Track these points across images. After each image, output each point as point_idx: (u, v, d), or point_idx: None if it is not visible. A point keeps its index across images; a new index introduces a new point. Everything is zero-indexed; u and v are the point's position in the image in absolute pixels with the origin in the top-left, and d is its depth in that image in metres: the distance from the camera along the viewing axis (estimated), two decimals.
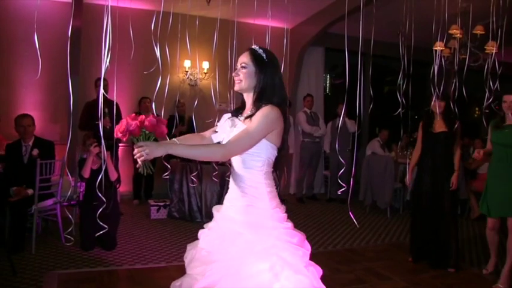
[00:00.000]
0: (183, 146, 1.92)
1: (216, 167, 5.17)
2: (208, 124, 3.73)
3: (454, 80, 3.82)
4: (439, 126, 4.60)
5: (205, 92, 7.77)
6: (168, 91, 3.19)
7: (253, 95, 2.13)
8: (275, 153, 2.10)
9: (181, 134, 6.83)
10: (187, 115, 7.22)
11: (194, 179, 5.90)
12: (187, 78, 7.73)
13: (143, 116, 1.91)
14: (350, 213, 3.26)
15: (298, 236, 2.08)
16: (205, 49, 6.93)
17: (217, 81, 4.97)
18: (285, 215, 2.12)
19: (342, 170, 3.44)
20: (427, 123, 4.70)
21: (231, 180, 2.17)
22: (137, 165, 1.91)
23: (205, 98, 7.44)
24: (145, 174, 1.97)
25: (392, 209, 7.19)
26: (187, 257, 2.17)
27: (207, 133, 2.30)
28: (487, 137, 4.43)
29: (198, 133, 2.31)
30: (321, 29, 7.78)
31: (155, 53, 2.69)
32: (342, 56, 3.00)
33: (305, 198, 8.09)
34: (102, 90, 2.22)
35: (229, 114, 2.23)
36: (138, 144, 1.81)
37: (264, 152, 2.05)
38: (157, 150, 1.80)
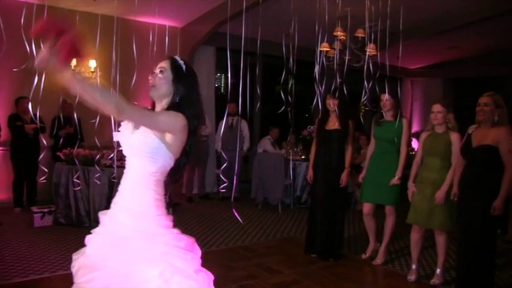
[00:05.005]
0: (87, 80, 1.81)
1: (99, 169, 4.96)
2: (92, 124, 3.58)
3: (336, 80, 4.06)
4: (333, 123, 4.83)
5: None
6: (51, 91, 2.99)
7: (166, 104, 2.09)
8: (171, 164, 2.06)
9: (70, 134, 6.48)
10: (75, 116, 6.79)
11: (78, 181, 5.60)
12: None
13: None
14: (234, 210, 3.31)
15: (186, 240, 2.05)
16: (92, 47, 6.60)
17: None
18: (171, 222, 2.09)
19: (223, 167, 3.49)
20: (321, 120, 4.91)
21: (121, 183, 2.10)
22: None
23: None
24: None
25: (284, 204, 7.43)
26: (75, 266, 2.04)
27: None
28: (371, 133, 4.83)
29: None
30: (211, 28, 7.80)
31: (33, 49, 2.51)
32: (234, 55, 3.07)
33: (197, 198, 8.06)
34: None
35: None
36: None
37: (162, 159, 2.00)
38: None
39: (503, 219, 5.41)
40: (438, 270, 4.25)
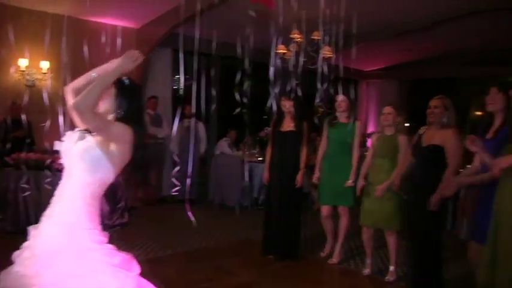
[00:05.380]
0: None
1: (50, 173, 4.78)
2: (42, 127, 3.47)
3: (292, 81, 4.10)
4: (288, 125, 4.88)
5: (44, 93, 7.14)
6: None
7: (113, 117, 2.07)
8: (111, 178, 2.03)
9: (20, 138, 6.23)
10: (25, 118, 6.55)
11: (26, 186, 5.39)
12: (24, 78, 7.05)
13: None
14: (189, 213, 3.29)
15: (121, 257, 1.99)
16: (43, 48, 6.40)
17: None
18: (105, 238, 2.02)
19: (177, 169, 3.47)
20: (276, 122, 4.95)
21: (55, 194, 2.04)
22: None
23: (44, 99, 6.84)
24: None
25: (241, 206, 7.40)
26: (1, 286, 1.95)
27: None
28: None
29: None
30: (168, 29, 7.72)
31: None
32: (192, 57, 3.06)
33: (153, 201, 7.93)
34: None
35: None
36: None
37: (102, 171, 1.97)
38: None
39: (451, 215, 5.63)
40: (391, 268, 4.38)
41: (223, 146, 8.20)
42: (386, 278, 4.35)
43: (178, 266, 4.54)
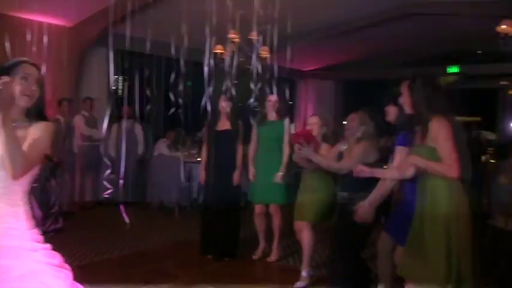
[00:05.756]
0: None
1: None
2: None
3: (227, 81, 4.11)
4: (223, 124, 4.88)
5: None
6: None
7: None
8: (36, 171, 1.95)
9: None
10: None
11: None
12: None
13: None
14: (124, 214, 3.24)
15: (59, 257, 1.95)
16: None
17: None
18: (42, 237, 1.96)
19: (108, 172, 3.41)
20: (212, 122, 4.93)
21: None
22: None
23: None
24: None
25: (181, 207, 7.30)
26: None
27: None
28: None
29: None
30: (103, 28, 7.48)
31: None
32: (131, 57, 3.01)
33: (90, 205, 7.69)
34: None
35: None
36: None
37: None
38: None
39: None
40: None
41: (162, 146, 8.08)
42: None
43: (115, 271, 4.44)
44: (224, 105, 4.82)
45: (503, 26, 5.73)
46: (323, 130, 4.24)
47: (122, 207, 3.31)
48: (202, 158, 5.11)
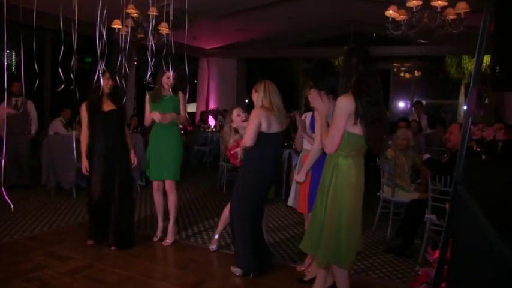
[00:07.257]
0: None
1: None
2: None
3: (121, 57, 4.00)
4: (108, 105, 4.60)
5: None
6: None
7: None
8: None
9: None
10: None
11: None
12: None
13: None
14: (5, 197, 3.11)
15: None
16: None
17: None
18: None
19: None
20: (96, 101, 4.59)
21: None
22: None
23: None
24: None
25: (79, 188, 7.00)
26: None
27: None
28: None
29: None
30: None
31: None
32: (23, 31, 2.80)
33: None
34: None
35: None
36: None
37: None
38: None
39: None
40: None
41: (58, 125, 7.72)
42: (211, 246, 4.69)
43: (6, 257, 4.24)
44: (108, 83, 4.55)
45: (390, 11, 6.09)
46: (246, 117, 4.34)
47: (3, 191, 3.16)
48: (82, 144, 4.74)
